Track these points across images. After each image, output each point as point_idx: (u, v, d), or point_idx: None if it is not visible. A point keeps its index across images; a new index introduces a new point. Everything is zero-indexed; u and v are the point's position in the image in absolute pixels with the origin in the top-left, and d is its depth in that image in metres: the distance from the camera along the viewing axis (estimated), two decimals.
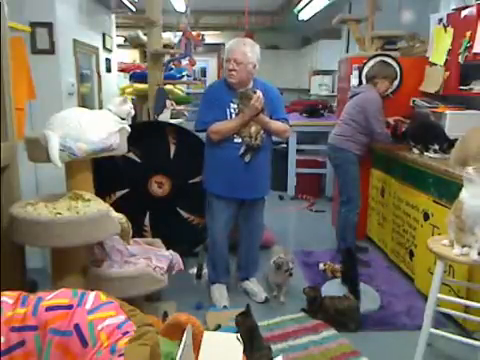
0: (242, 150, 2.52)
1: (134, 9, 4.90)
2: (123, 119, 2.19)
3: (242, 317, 2.21)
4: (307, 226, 4.47)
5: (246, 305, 2.27)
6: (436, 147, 2.98)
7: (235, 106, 2.53)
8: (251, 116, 2.47)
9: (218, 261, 2.82)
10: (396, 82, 3.46)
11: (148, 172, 3.00)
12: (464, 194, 1.93)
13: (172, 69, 4.37)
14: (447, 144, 2.90)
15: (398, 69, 3.48)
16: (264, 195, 2.80)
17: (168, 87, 4.13)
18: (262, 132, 2.52)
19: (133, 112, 2.26)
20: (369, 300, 2.73)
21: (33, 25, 2.87)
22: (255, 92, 2.45)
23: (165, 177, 3.02)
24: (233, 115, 2.53)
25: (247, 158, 2.53)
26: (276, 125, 2.60)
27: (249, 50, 2.50)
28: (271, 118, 2.59)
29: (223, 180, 2.59)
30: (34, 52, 2.92)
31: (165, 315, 2.19)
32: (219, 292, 2.79)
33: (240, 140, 2.52)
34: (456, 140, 2.58)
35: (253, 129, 2.50)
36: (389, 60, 3.48)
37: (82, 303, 1.14)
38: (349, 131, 3.31)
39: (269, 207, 4.25)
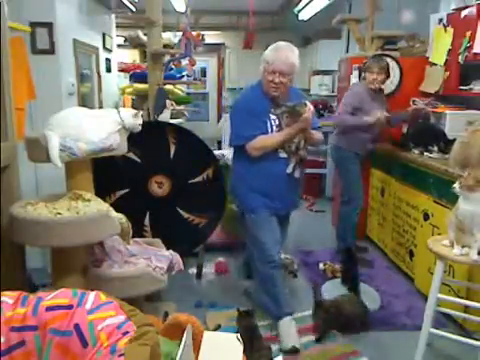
0: (291, 167, 2.34)
1: (134, 9, 4.90)
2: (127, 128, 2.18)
3: (242, 317, 2.21)
4: (307, 226, 4.47)
5: (237, 308, 2.27)
6: (436, 148, 2.98)
7: (274, 117, 2.31)
8: (300, 130, 2.28)
9: (277, 293, 2.41)
10: (393, 77, 3.39)
11: (148, 172, 3.00)
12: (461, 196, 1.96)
13: (172, 69, 4.37)
14: (445, 144, 2.90)
15: (396, 65, 3.44)
16: (297, 206, 2.66)
17: (168, 87, 4.13)
18: (304, 144, 2.36)
19: (139, 128, 2.23)
20: (369, 300, 2.73)
21: (33, 25, 2.87)
22: (306, 105, 2.24)
23: (165, 177, 3.02)
24: (274, 127, 2.31)
25: (297, 173, 2.37)
26: (317, 135, 2.42)
27: (296, 59, 2.27)
28: None
29: (267, 197, 2.36)
30: (34, 52, 2.92)
31: (166, 315, 2.19)
32: (287, 328, 2.35)
33: (285, 155, 2.32)
34: (455, 140, 2.58)
35: (300, 142, 2.32)
36: (383, 57, 3.44)
37: (82, 303, 1.14)
38: (347, 130, 3.30)
39: None
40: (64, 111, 2.06)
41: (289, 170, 2.33)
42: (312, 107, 2.27)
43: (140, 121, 2.21)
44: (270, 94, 2.30)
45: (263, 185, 2.35)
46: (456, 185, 1.94)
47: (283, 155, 2.32)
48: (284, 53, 2.26)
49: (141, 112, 2.28)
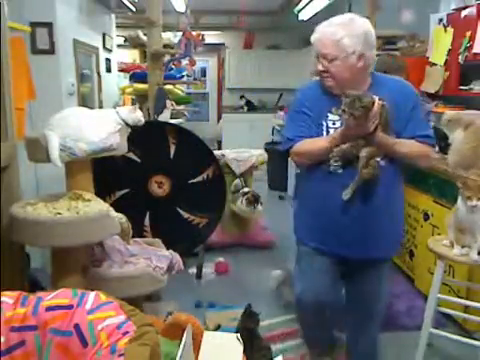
0: (349, 192, 1.61)
1: (134, 9, 4.91)
2: (130, 126, 2.17)
3: (242, 317, 2.20)
4: None
5: (248, 305, 2.26)
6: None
7: (336, 118, 1.66)
8: (359, 134, 1.58)
9: (311, 338, 2.02)
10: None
11: (148, 172, 3.01)
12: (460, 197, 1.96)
13: (172, 69, 4.38)
14: (445, 144, 2.90)
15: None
16: (383, 255, 1.79)
17: (168, 87, 4.14)
18: (379, 159, 1.61)
19: (143, 120, 2.20)
20: None
21: (33, 25, 2.87)
22: (376, 99, 1.54)
23: (165, 177, 3.02)
24: (331, 131, 1.68)
25: (345, 195, 1.62)
26: (407, 148, 1.64)
27: (345, 34, 1.58)
28: (399, 136, 1.65)
29: (315, 226, 1.77)
30: (34, 52, 2.93)
31: (169, 315, 2.18)
32: None
33: (341, 169, 1.64)
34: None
35: (364, 152, 1.59)
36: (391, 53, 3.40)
37: (82, 303, 1.14)
38: None
39: (269, 207, 4.27)
40: (64, 111, 2.06)
41: (345, 196, 1.61)
42: (382, 104, 1.54)
43: (140, 114, 2.19)
44: (325, 85, 1.70)
45: (311, 211, 1.78)
46: (478, 203, 1.89)
47: (338, 170, 1.65)
48: (328, 28, 1.63)
49: (137, 105, 2.26)
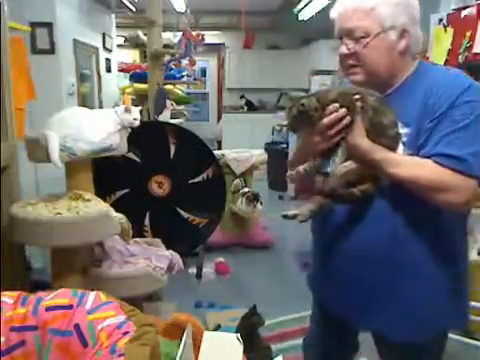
0: (308, 211, 1.23)
1: (134, 9, 4.91)
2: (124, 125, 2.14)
3: (243, 317, 2.20)
4: (307, 226, 4.45)
5: (253, 306, 2.24)
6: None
7: None
8: (314, 150, 1.16)
9: None
10: None
11: (148, 172, 3.01)
12: None
13: (172, 69, 4.38)
14: None
15: None
16: (405, 336, 1.15)
17: (168, 87, 4.14)
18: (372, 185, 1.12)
19: (138, 122, 2.12)
20: None
21: (33, 25, 2.88)
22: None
23: (165, 177, 3.02)
24: None
25: (300, 218, 1.24)
26: (408, 170, 1.06)
27: (379, 1, 1.09)
28: (413, 154, 1.09)
29: (314, 271, 1.44)
30: (34, 52, 2.93)
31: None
32: None
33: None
34: None
35: (341, 168, 1.13)
36: None
37: (82, 303, 1.14)
38: None
39: (269, 207, 4.27)
40: (64, 111, 2.06)
41: (300, 219, 1.23)
42: (352, 106, 1.07)
43: (135, 115, 2.13)
44: (350, 79, 1.19)
45: (313, 246, 1.46)
46: None
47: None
48: None
49: (131, 106, 2.23)
